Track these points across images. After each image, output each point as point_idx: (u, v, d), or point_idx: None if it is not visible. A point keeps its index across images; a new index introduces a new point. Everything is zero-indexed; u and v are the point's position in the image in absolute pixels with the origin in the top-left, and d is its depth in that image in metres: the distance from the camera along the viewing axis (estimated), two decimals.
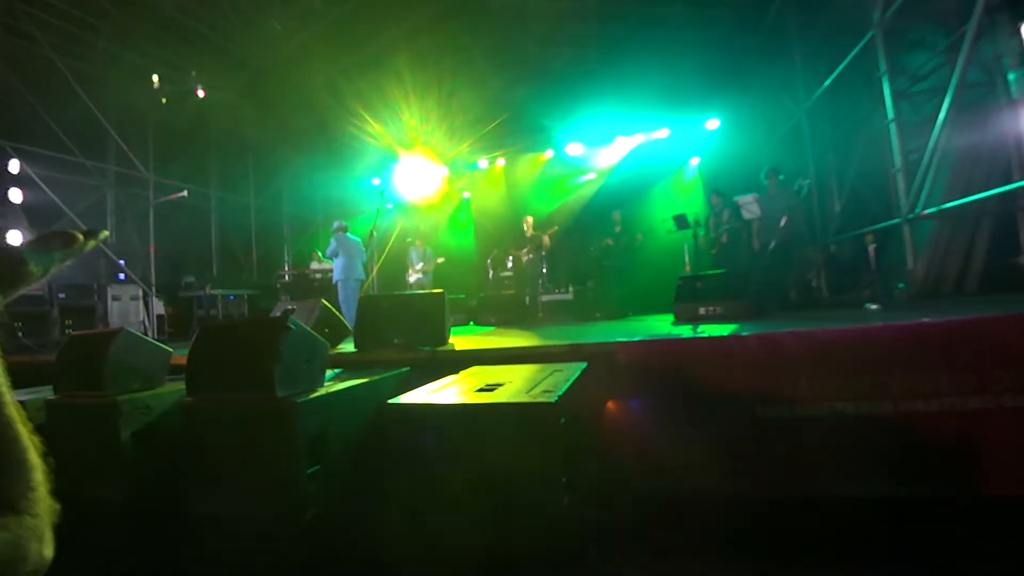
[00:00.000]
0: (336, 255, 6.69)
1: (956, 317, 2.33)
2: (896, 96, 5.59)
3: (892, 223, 5.75)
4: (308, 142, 11.85)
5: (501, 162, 11.48)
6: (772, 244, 6.00)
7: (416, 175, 11.96)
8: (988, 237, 5.38)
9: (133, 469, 2.25)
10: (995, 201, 4.85)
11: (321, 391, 1.99)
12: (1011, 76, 4.81)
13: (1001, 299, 4.10)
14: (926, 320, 2.36)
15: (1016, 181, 4.64)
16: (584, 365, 2.27)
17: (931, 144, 4.96)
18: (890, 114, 5.58)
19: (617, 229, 8.12)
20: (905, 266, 5.54)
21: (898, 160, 5.49)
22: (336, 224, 6.81)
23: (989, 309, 2.53)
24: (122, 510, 2.22)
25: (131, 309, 7.67)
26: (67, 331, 6.55)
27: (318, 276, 9.25)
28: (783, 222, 5.90)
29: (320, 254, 9.02)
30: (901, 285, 5.68)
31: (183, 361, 2.07)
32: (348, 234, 6.78)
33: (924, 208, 5.15)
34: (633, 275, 7.89)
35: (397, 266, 9.52)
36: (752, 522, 2.29)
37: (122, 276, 7.86)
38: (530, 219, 8.27)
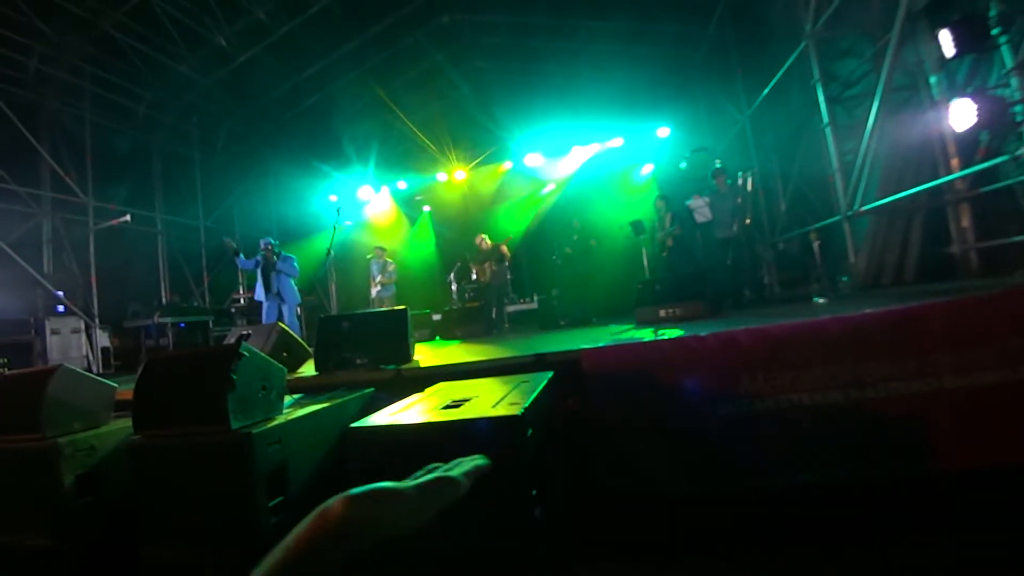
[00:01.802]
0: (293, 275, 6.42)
1: (896, 306, 2.47)
2: (830, 101, 5.93)
3: (833, 220, 6.07)
4: (259, 160, 11.54)
5: (460, 175, 11.50)
6: (734, 230, 6.18)
7: (374, 191, 11.83)
8: (921, 230, 5.74)
9: (79, 516, 2.11)
10: (925, 196, 5.19)
11: (280, 419, 1.92)
12: (932, 79, 5.19)
13: (936, 287, 4.37)
14: (869, 311, 2.48)
15: (942, 177, 5.00)
16: (550, 374, 2.28)
17: (864, 145, 5.28)
18: (825, 119, 5.91)
19: (575, 237, 8.26)
20: (847, 260, 5.85)
21: (835, 161, 5.81)
22: (270, 243, 6.45)
23: (926, 297, 2.69)
24: (68, 560, 2.07)
25: (72, 343, 7.22)
26: (1, 370, 6.10)
27: None
28: (748, 221, 6.14)
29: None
30: (845, 278, 5.99)
31: (131, 396, 1.96)
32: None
33: (861, 205, 5.46)
34: (595, 281, 8.02)
35: (358, 283, 9.36)
36: (721, 518, 2.34)
37: (61, 308, 7.40)
38: (484, 236, 8.30)
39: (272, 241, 6.40)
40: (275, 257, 6.28)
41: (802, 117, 7.11)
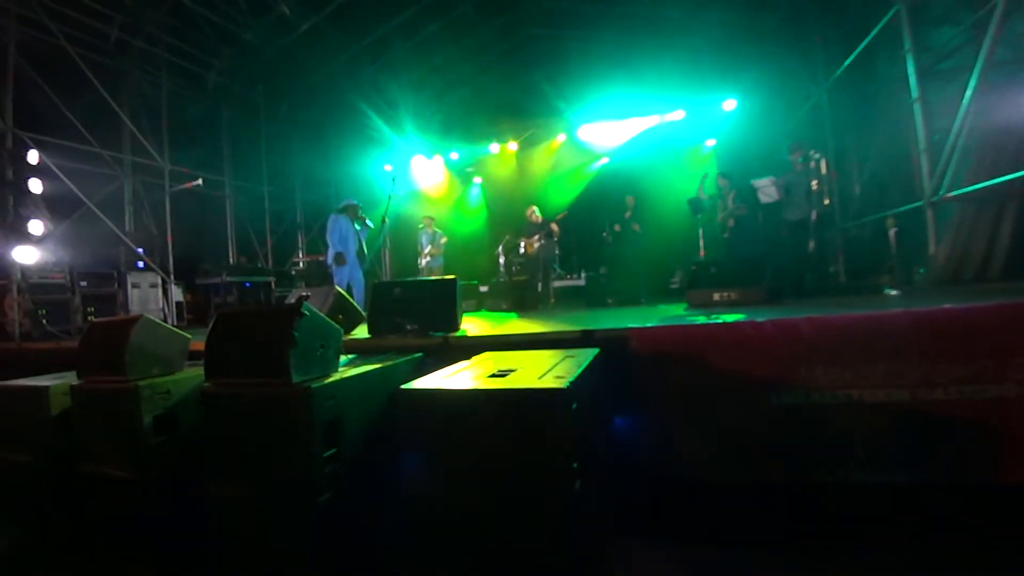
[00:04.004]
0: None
1: (978, 303, 2.27)
2: (920, 74, 5.41)
3: (914, 206, 5.61)
4: (319, 128, 11.87)
5: (513, 147, 11.40)
6: (813, 216, 5.82)
7: (427, 161, 11.95)
8: (1014, 221, 5.22)
9: (155, 452, 2.31)
10: (1022, 183, 4.70)
11: (336, 376, 2.01)
12: None
13: None
14: (947, 306, 2.30)
15: None
16: (596, 351, 2.27)
17: (956, 124, 4.81)
18: (914, 93, 5.41)
19: (627, 215, 8.05)
20: (926, 251, 5.42)
21: (921, 141, 5.34)
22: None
23: (1013, 296, 2.46)
24: (145, 491, 2.29)
25: (150, 296, 7.81)
26: (89, 318, 6.70)
27: None
28: (827, 201, 5.76)
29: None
30: (921, 270, 5.56)
31: (202, 347, 2.11)
32: None
33: (948, 191, 5.01)
34: (646, 260, 7.82)
35: (409, 251, 9.56)
36: (765, 509, 2.29)
37: (141, 264, 8.00)
38: (534, 208, 8.23)
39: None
40: (361, 216, 6.44)
41: (886, 91, 6.53)
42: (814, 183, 5.69)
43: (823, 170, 5.71)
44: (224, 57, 9.23)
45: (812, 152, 5.80)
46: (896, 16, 5.50)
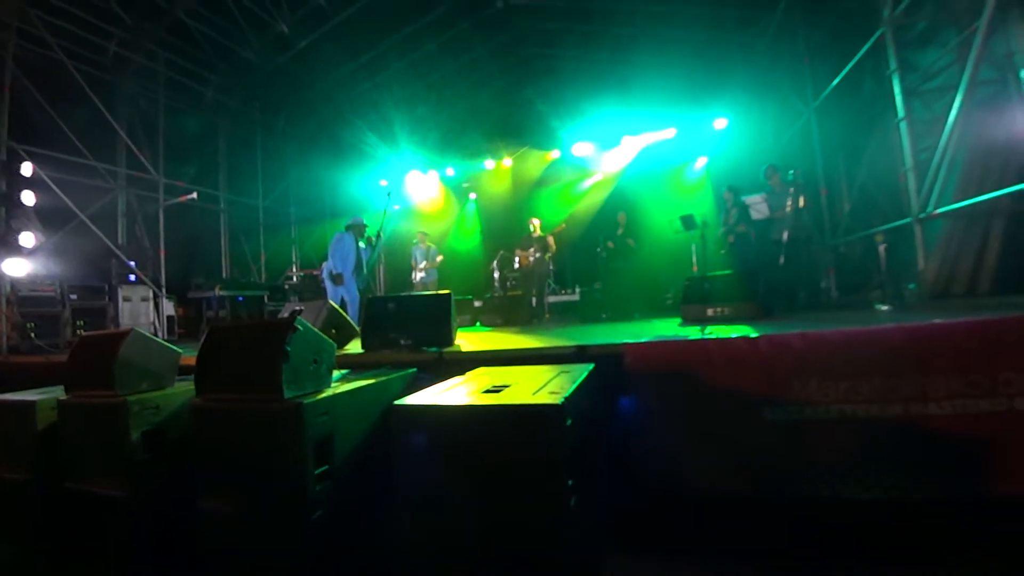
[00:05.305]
0: None
1: (968, 318, 2.30)
2: (907, 94, 5.53)
3: (902, 223, 5.69)
4: (315, 143, 11.93)
5: (507, 163, 11.49)
6: (784, 238, 5.98)
7: (422, 176, 12.02)
8: (1001, 237, 5.29)
9: (143, 468, 2.27)
10: (1008, 200, 4.78)
11: (328, 392, 1.99)
12: (1023, 73, 4.75)
13: (1014, 300, 4.04)
14: (937, 321, 2.33)
15: None
16: (591, 366, 2.27)
17: (942, 142, 4.90)
18: (900, 112, 5.52)
19: (619, 232, 8.10)
20: (916, 266, 5.48)
21: (908, 159, 5.43)
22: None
23: (1002, 311, 2.50)
24: (133, 508, 2.24)
25: (141, 310, 7.74)
26: (79, 332, 6.62)
27: None
28: (802, 204, 5.94)
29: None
30: (911, 286, 5.62)
31: (193, 362, 2.09)
32: None
33: (935, 207, 5.09)
34: (639, 276, 7.86)
35: (405, 267, 9.56)
36: (760, 523, 2.28)
37: (132, 277, 7.93)
38: (537, 221, 8.27)
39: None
40: (367, 235, 6.43)
41: (874, 110, 6.66)
42: (788, 204, 5.89)
43: (798, 191, 5.93)
44: (222, 73, 9.31)
45: (789, 172, 6.01)
46: (881, 38, 5.64)
